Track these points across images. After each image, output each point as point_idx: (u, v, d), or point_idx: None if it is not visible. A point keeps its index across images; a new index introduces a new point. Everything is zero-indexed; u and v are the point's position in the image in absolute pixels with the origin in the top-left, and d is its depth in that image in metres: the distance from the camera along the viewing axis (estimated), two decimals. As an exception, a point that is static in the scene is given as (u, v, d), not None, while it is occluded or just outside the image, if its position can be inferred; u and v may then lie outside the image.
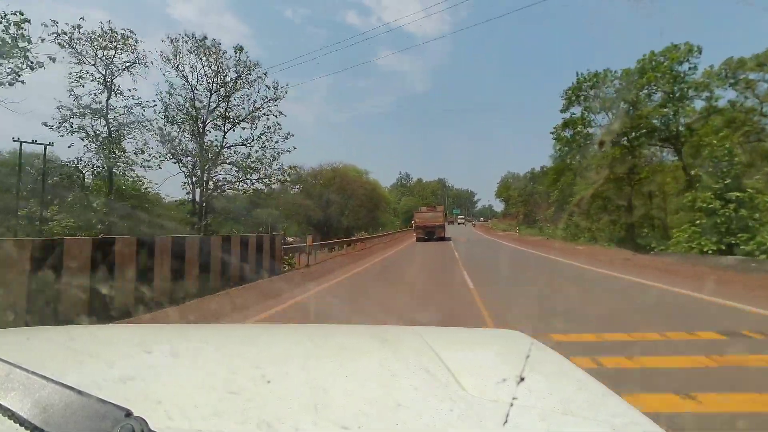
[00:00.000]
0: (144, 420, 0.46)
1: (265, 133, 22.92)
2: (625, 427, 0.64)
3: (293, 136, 24.10)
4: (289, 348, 1.11)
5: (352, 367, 0.92)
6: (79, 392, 0.48)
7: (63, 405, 0.47)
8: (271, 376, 0.79)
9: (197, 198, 23.30)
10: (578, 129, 25.05)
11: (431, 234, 30.13)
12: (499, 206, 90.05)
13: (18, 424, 0.46)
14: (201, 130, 22.67)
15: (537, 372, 0.85)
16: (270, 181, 23.46)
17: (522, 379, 0.76)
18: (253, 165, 22.91)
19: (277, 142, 23.10)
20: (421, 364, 0.87)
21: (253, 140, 22.90)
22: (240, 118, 23.07)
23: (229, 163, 22.90)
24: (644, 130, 21.63)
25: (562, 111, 25.51)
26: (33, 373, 0.50)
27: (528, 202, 52.66)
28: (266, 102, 23.02)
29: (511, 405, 0.65)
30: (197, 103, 22.60)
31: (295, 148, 26.07)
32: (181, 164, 22.63)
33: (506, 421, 0.61)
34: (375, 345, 1.13)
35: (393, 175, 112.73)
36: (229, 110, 22.91)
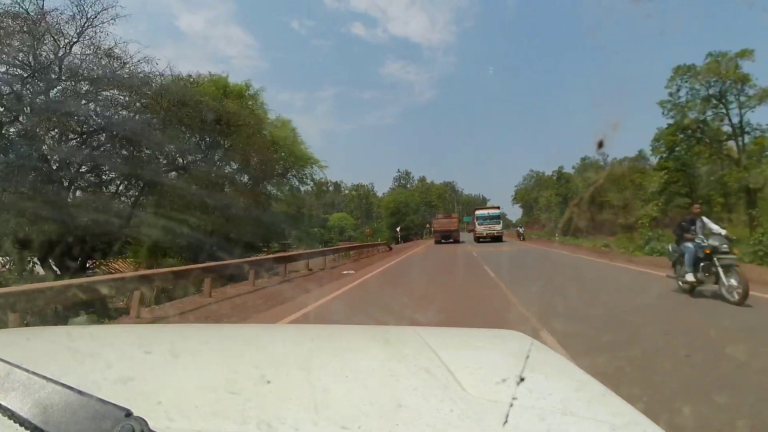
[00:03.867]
0: (144, 420, 0.46)
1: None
2: (625, 426, 0.64)
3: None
4: (289, 348, 1.11)
5: (353, 368, 0.92)
6: (79, 392, 0.48)
7: (63, 405, 0.47)
8: (271, 376, 0.79)
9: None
10: None
11: (447, 237, 37.65)
12: (513, 213, 72.76)
13: (18, 424, 0.46)
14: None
15: (537, 372, 0.85)
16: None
17: (522, 380, 0.76)
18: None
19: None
20: (421, 364, 0.87)
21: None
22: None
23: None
24: None
25: None
26: (33, 373, 0.50)
27: (568, 204, 41.90)
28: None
29: (511, 405, 0.65)
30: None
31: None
32: None
33: (506, 421, 0.61)
34: (375, 345, 1.14)
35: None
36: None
